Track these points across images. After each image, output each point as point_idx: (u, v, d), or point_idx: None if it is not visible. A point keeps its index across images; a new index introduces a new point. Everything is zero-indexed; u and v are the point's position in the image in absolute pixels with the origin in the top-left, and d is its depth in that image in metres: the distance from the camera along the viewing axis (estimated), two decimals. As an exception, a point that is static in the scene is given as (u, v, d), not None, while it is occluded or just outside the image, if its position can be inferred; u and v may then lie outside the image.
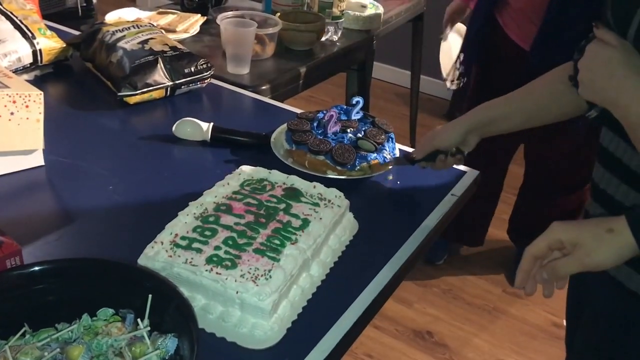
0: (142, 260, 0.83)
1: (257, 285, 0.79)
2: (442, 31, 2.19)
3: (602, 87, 0.76)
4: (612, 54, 0.75)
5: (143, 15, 1.78)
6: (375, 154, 1.14)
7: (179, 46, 1.39)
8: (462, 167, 1.21)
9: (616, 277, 0.87)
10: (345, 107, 1.25)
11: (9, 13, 1.39)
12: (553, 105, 0.99)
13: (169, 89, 1.34)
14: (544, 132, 1.90)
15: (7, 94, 1.00)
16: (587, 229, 0.74)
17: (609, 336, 0.94)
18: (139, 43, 1.36)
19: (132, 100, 1.30)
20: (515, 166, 2.15)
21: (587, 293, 0.99)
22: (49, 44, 1.38)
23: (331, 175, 1.12)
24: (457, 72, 1.93)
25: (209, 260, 0.82)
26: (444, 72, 2.12)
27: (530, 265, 0.79)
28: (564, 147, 1.89)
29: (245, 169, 1.04)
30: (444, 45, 2.25)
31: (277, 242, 0.87)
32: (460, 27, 2.11)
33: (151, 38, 1.39)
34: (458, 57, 1.94)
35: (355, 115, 1.23)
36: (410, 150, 1.25)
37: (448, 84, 2.02)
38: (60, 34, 1.45)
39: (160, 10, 1.85)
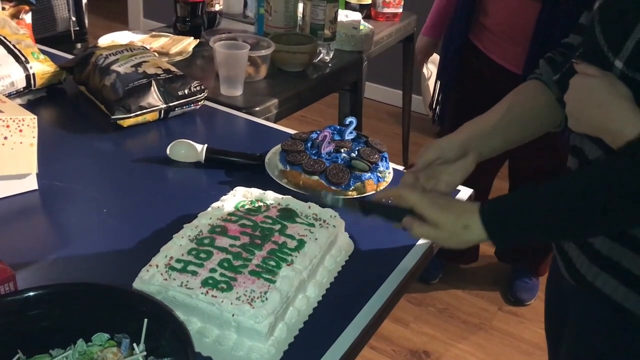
0: (137, 284, 0.83)
1: (253, 307, 0.79)
2: (419, 70, 2.21)
3: (590, 117, 0.79)
4: (596, 83, 0.78)
5: (136, 38, 1.79)
6: (369, 174, 1.15)
7: (173, 69, 1.40)
8: (456, 186, 1.22)
9: (602, 290, 0.88)
10: (338, 127, 1.26)
11: (2, 37, 1.39)
12: (534, 121, 1.01)
13: (162, 111, 1.34)
14: (529, 147, 1.93)
15: (1, 119, 1.00)
16: (450, 219, 0.81)
17: (592, 346, 0.95)
18: (132, 66, 1.37)
19: (126, 123, 1.30)
20: (500, 181, 2.16)
21: (566, 306, 1.01)
22: (42, 68, 1.38)
23: (326, 196, 1.12)
24: (439, 99, 1.95)
25: (205, 283, 0.82)
26: (426, 104, 2.15)
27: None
28: (549, 162, 1.90)
29: (240, 190, 1.04)
30: (427, 81, 2.27)
31: (272, 263, 0.87)
32: (436, 57, 2.14)
33: (144, 61, 1.39)
34: (435, 84, 1.96)
35: (349, 135, 1.24)
36: (400, 168, 1.26)
37: (430, 113, 2.04)
38: (54, 58, 1.46)
39: (153, 33, 1.86)
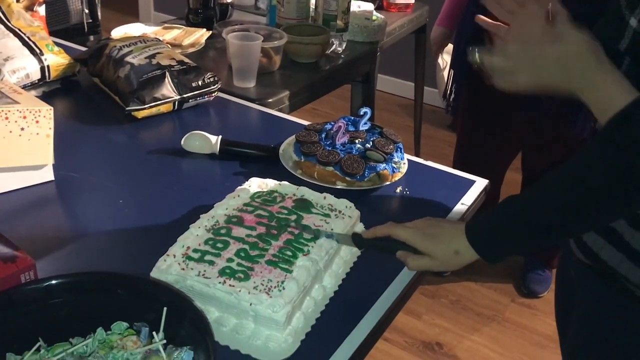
0: (154, 274, 0.83)
1: (270, 297, 0.79)
2: (434, 60, 2.18)
3: (568, 80, 0.79)
4: (571, 49, 0.78)
5: (149, 30, 1.79)
6: (384, 164, 1.14)
7: (186, 60, 1.40)
8: (470, 176, 1.22)
9: (607, 262, 0.88)
10: (353, 118, 1.25)
11: (17, 30, 1.40)
12: None
13: (176, 102, 1.35)
14: (541, 139, 1.92)
15: (18, 110, 1.01)
16: (441, 248, 0.84)
17: (596, 334, 0.96)
18: (146, 58, 1.37)
19: (140, 114, 1.31)
20: (513, 173, 2.15)
21: (573, 292, 1.01)
22: (57, 60, 1.39)
23: (340, 186, 1.12)
24: (452, 89, 1.94)
25: (222, 273, 0.82)
26: (441, 95, 2.13)
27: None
28: (561, 153, 1.89)
29: (255, 181, 1.05)
30: (443, 72, 2.25)
31: (289, 253, 0.87)
32: (451, 48, 2.12)
33: (158, 52, 1.39)
34: (449, 74, 1.95)
35: (363, 126, 1.24)
36: (418, 160, 1.25)
37: (444, 103, 2.03)
38: (67, 50, 1.46)
39: (166, 25, 1.86)
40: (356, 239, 0.90)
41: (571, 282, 1.02)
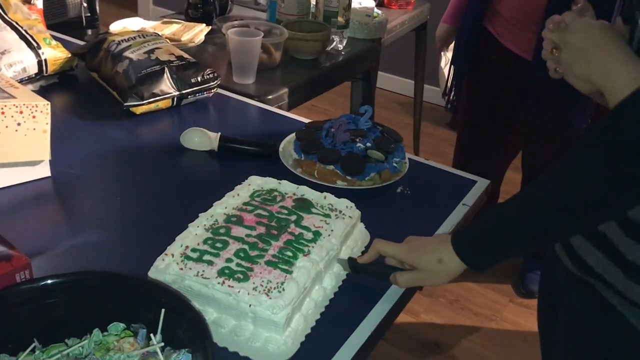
0: (152, 273, 0.82)
1: (270, 298, 0.78)
2: (439, 57, 2.16)
3: (589, 58, 0.79)
4: (594, 25, 0.79)
5: (147, 25, 1.77)
6: (385, 164, 1.13)
7: (185, 56, 1.38)
8: (472, 177, 1.20)
9: (594, 269, 0.87)
10: (353, 116, 1.24)
11: (14, 23, 1.38)
12: None
13: (175, 98, 1.33)
14: (542, 137, 1.91)
15: (14, 104, 0.99)
16: (425, 257, 0.84)
17: (579, 347, 0.95)
18: (145, 53, 1.35)
19: (138, 110, 1.29)
20: (513, 173, 2.14)
21: (559, 297, 1.00)
22: (55, 54, 1.37)
23: (341, 185, 1.11)
24: (453, 86, 1.92)
25: (221, 273, 0.81)
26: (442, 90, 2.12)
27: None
28: (560, 153, 1.87)
29: (255, 179, 1.03)
30: (445, 69, 2.24)
31: (289, 254, 0.85)
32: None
33: (157, 48, 1.38)
34: (449, 71, 1.94)
35: (364, 125, 1.22)
36: (419, 159, 1.24)
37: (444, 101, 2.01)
38: (65, 44, 1.44)
39: (165, 20, 1.84)
40: (352, 264, 0.90)
41: (555, 293, 1.01)
